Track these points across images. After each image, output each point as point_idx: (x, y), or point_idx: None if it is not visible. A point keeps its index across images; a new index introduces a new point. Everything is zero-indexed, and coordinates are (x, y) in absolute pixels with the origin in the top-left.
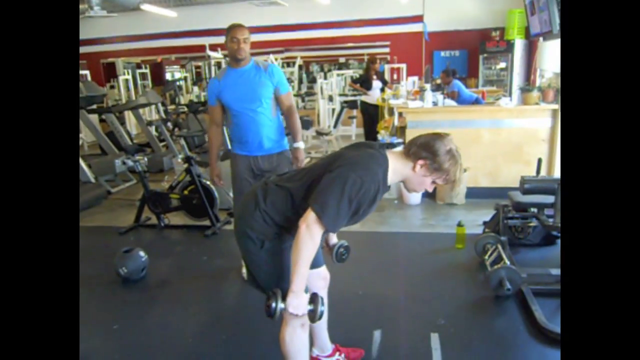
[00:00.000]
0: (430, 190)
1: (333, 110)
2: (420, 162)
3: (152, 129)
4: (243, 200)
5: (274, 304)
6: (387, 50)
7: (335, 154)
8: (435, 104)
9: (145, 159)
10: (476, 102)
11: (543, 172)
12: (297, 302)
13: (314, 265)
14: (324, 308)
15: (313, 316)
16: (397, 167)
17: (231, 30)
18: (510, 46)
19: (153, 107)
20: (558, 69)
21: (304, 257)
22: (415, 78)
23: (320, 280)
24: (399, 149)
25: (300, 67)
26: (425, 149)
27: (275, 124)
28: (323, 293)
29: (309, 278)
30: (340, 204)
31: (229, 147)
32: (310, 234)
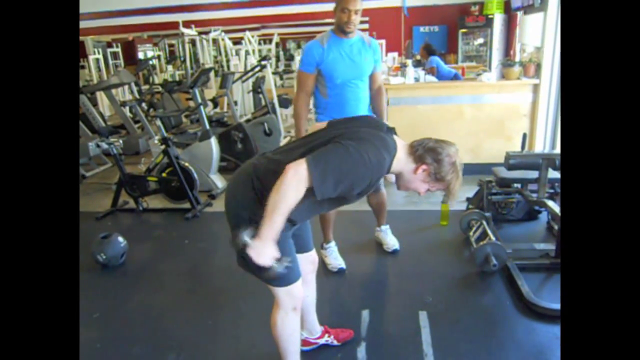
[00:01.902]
0: (422, 194)
1: None
2: (424, 166)
3: (126, 110)
4: (235, 178)
5: (240, 236)
6: (366, 25)
7: (340, 128)
8: (417, 80)
9: (120, 141)
10: (455, 77)
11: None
12: (260, 250)
13: (303, 249)
14: (282, 270)
15: (268, 274)
16: (401, 160)
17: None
18: (489, 21)
19: (126, 87)
20: (539, 43)
21: (283, 204)
22: (395, 54)
23: (309, 264)
24: (404, 142)
25: (277, 44)
26: (432, 155)
27: (368, 100)
28: (312, 277)
29: (299, 262)
30: (335, 171)
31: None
32: (297, 182)
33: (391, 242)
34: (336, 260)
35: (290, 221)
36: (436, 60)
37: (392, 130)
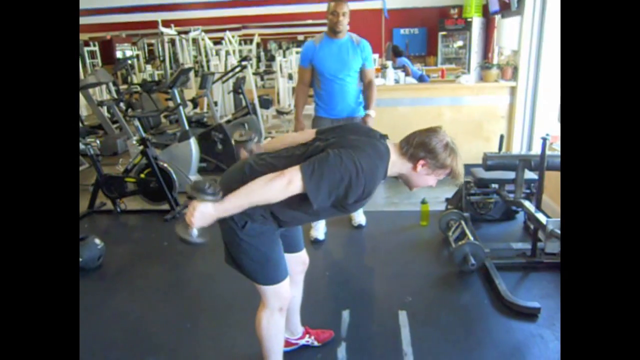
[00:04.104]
0: (433, 185)
1: (293, 88)
2: (422, 162)
3: (104, 110)
4: (226, 177)
5: (203, 187)
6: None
7: (333, 136)
8: (397, 81)
9: (98, 141)
10: (420, 79)
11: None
12: (204, 213)
13: (293, 249)
14: (194, 240)
15: (182, 233)
16: (396, 163)
17: (332, 3)
18: (468, 24)
19: (104, 86)
20: (516, 47)
21: (258, 196)
22: (375, 56)
23: (299, 264)
24: (395, 145)
25: (257, 44)
26: (423, 149)
27: (357, 93)
28: (300, 277)
29: (288, 262)
30: (329, 180)
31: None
32: (285, 186)
33: (359, 218)
34: (317, 231)
35: (279, 221)
36: (404, 60)
37: (384, 137)
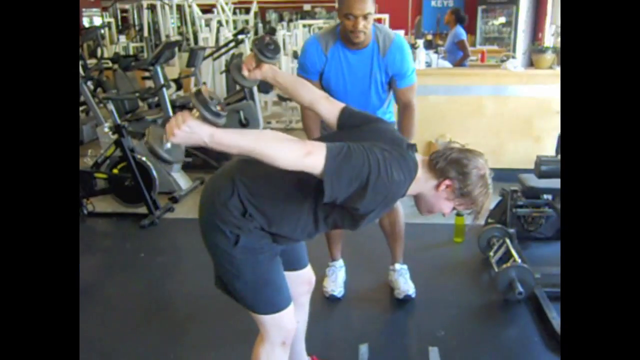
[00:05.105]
0: (447, 215)
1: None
2: (447, 182)
3: None
4: (212, 182)
5: (208, 104)
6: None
7: (357, 132)
8: (428, 64)
9: None
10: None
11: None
12: (196, 132)
13: (295, 266)
14: (164, 154)
15: (150, 147)
16: (420, 180)
17: (345, 1)
18: None
19: None
20: None
21: (267, 144)
22: (401, 32)
23: (304, 284)
24: (422, 157)
25: (255, 14)
26: (456, 168)
27: (380, 108)
28: (306, 299)
29: (289, 282)
30: (354, 168)
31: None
32: (305, 154)
33: (405, 287)
34: (334, 283)
35: (277, 240)
36: (464, 33)
37: (413, 147)
